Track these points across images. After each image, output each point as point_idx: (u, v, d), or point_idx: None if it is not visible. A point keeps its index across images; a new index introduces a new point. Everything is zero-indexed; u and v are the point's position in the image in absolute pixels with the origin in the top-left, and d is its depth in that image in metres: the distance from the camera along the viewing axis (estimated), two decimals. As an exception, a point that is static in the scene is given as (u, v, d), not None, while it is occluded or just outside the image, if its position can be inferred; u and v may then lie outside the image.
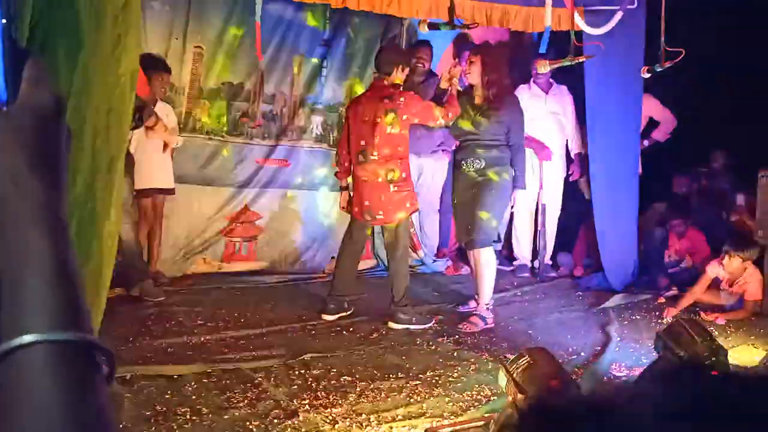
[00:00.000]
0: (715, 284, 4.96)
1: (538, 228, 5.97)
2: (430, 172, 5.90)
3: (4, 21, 0.57)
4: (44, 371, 0.50)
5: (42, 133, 0.56)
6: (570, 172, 5.97)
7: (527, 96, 5.74)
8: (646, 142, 6.12)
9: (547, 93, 5.86)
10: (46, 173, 0.55)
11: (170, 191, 5.04)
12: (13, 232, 0.53)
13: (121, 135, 1.92)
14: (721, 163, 6.29)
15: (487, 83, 4.47)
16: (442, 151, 5.84)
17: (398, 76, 4.36)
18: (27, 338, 0.50)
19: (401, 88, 4.37)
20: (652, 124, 6.18)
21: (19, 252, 0.53)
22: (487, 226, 4.43)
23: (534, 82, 5.86)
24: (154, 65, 4.68)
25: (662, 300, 5.09)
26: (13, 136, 0.54)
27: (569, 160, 6.01)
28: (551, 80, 5.86)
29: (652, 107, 5.93)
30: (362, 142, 4.30)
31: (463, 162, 4.55)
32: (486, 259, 4.44)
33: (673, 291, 5.21)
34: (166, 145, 4.92)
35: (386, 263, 4.60)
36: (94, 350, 0.53)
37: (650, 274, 5.50)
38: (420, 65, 5.77)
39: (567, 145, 5.99)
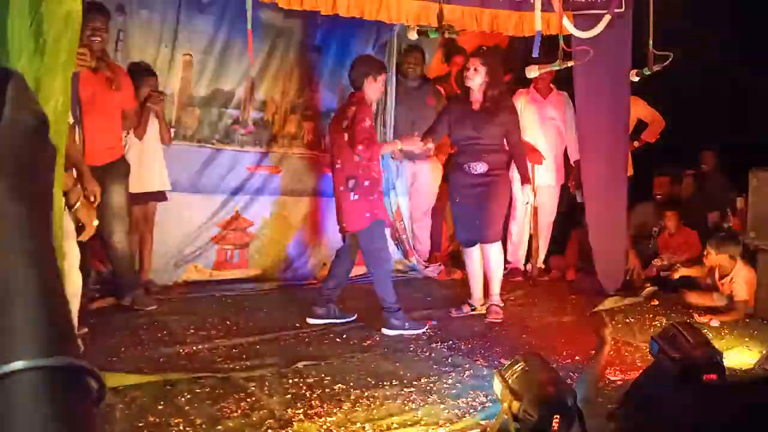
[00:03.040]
0: (708, 286, 4.98)
1: (530, 231, 5.97)
2: (425, 178, 5.90)
3: None
4: (34, 398, 0.50)
5: (26, 156, 0.55)
6: (572, 182, 5.95)
7: (525, 101, 5.77)
8: (636, 144, 6.15)
9: (545, 99, 5.87)
10: (31, 197, 0.54)
11: (163, 196, 5.00)
12: None
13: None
14: (712, 164, 6.30)
15: (486, 89, 4.57)
16: (436, 156, 5.84)
17: (370, 87, 4.32)
18: (16, 365, 0.50)
19: (378, 99, 4.56)
20: (641, 125, 6.20)
21: (5, 279, 0.52)
22: (498, 221, 4.69)
23: (534, 87, 5.86)
24: (139, 73, 4.68)
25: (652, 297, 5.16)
26: None
27: (568, 166, 5.99)
28: (551, 86, 5.87)
29: (640, 109, 5.96)
30: (333, 152, 4.45)
31: (465, 165, 4.63)
32: (499, 252, 4.72)
33: (652, 288, 5.27)
34: (163, 138, 4.91)
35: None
36: (82, 374, 0.52)
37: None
38: (410, 70, 5.78)
39: (567, 151, 5.99)
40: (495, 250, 4.68)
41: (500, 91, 4.63)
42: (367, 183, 4.27)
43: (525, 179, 4.74)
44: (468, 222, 4.67)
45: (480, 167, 4.58)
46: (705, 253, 4.93)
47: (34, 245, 0.53)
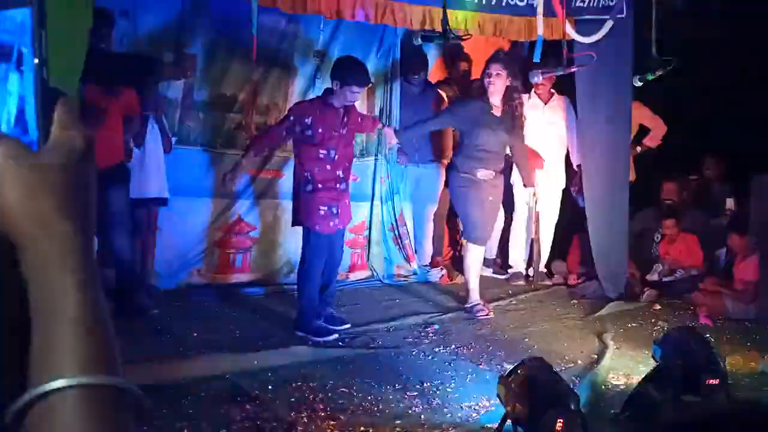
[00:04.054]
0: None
1: (532, 236, 5.98)
2: (428, 182, 5.91)
3: (36, 60, 0.56)
4: (76, 416, 0.51)
5: (71, 176, 0.56)
6: (574, 187, 5.95)
7: (526, 106, 5.77)
8: (638, 149, 6.16)
9: (546, 103, 5.87)
10: (75, 217, 0.55)
11: (163, 201, 5.01)
12: (43, 277, 0.53)
13: None
14: (714, 169, 6.27)
15: (507, 96, 4.65)
16: (436, 160, 5.85)
17: (337, 92, 4.17)
18: (58, 383, 0.50)
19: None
20: (643, 130, 6.20)
21: (49, 297, 0.53)
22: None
23: (534, 92, 5.87)
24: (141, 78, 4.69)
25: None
26: (44, 180, 0.54)
27: (569, 170, 6.00)
28: (552, 90, 5.86)
29: (642, 114, 5.96)
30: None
31: (474, 171, 4.73)
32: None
33: (653, 292, 5.29)
34: (165, 145, 4.92)
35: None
36: (124, 394, 0.53)
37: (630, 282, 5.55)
38: (414, 75, 5.79)
39: (568, 155, 5.99)
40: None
41: (519, 96, 4.71)
42: (293, 186, 4.49)
43: (529, 182, 4.80)
44: (488, 224, 4.96)
45: (489, 175, 4.71)
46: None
47: (78, 264, 0.54)
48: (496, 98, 4.65)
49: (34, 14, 0.56)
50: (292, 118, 4.23)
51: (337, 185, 4.30)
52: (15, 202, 0.53)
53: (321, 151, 4.22)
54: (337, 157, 4.25)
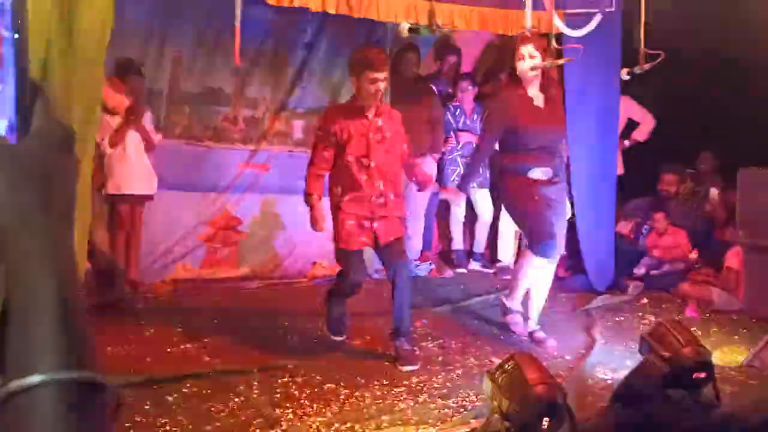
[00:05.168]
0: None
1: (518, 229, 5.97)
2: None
3: (16, 36, 0.54)
4: (52, 410, 0.51)
5: (52, 169, 0.55)
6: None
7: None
8: (627, 143, 6.16)
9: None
10: (56, 209, 0.54)
11: (149, 197, 4.97)
12: (22, 270, 0.53)
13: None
14: (710, 164, 6.27)
15: (544, 78, 4.18)
16: (431, 155, 5.81)
17: (358, 89, 3.80)
18: (35, 378, 0.50)
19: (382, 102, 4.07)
20: (631, 124, 6.20)
21: (27, 290, 0.52)
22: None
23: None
24: (125, 70, 4.64)
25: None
26: (24, 172, 0.53)
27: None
28: None
29: (630, 108, 5.96)
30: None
31: (532, 171, 4.11)
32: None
33: (639, 285, 5.31)
34: (149, 149, 4.86)
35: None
36: (100, 388, 0.53)
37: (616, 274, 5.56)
38: (405, 69, 5.75)
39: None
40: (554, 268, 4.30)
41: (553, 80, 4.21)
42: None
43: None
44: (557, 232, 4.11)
45: (549, 173, 4.11)
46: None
47: (57, 257, 0.54)
48: (533, 85, 4.11)
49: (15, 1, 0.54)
50: (323, 131, 3.85)
51: (374, 198, 3.79)
52: None
53: (349, 158, 3.79)
54: (373, 165, 3.78)
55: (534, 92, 4.12)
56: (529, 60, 4.03)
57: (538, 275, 4.21)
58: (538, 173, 4.08)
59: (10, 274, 0.52)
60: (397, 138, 3.89)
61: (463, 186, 4.62)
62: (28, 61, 0.55)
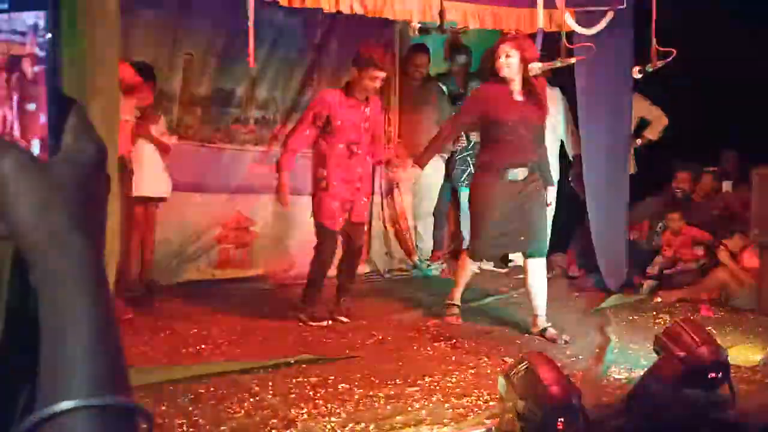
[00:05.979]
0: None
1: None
2: (428, 176, 5.87)
3: (49, 35, 0.54)
4: None
5: (84, 188, 0.54)
6: (569, 178, 5.91)
7: None
8: (638, 141, 6.12)
9: None
10: (88, 230, 0.54)
11: (163, 199, 4.98)
12: (54, 292, 0.52)
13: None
14: (733, 164, 6.21)
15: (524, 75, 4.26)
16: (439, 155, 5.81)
17: (357, 80, 4.20)
18: (66, 404, 0.49)
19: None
20: (644, 123, 6.17)
21: (59, 313, 0.52)
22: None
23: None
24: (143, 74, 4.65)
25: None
26: (56, 192, 0.53)
27: (564, 163, 5.97)
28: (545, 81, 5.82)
29: (642, 107, 5.93)
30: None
31: (504, 171, 4.20)
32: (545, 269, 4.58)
33: (651, 282, 5.28)
34: (164, 152, 4.86)
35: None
36: (132, 413, 0.53)
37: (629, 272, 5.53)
38: (415, 69, 5.75)
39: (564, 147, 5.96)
40: (543, 264, 4.31)
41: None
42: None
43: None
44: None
45: (525, 173, 4.16)
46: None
47: (91, 278, 0.53)
48: (514, 81, 4.17)
49: (49, 17, 0.54)
50: (313, 113, 4.21)
51: (356, 183, 4.28)
52: (26, 216, 0.52)
53: (339, 145, 4.16)
54: (360, 151, 4.23)
55: (515, 87, 4.18)
56: (505, 59, 4.10)
57: (534, 276, 4.30)
58: (513, 174, 4.15)
59: (42, 296, 0.52)
60: (377, 124, 4.37)
61: (419, 161, 4.51)
62: (61, 80, 0.55)
